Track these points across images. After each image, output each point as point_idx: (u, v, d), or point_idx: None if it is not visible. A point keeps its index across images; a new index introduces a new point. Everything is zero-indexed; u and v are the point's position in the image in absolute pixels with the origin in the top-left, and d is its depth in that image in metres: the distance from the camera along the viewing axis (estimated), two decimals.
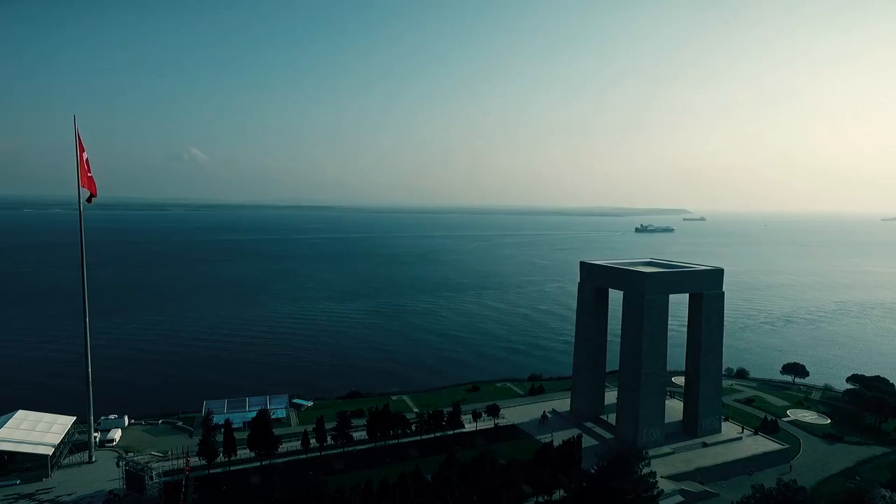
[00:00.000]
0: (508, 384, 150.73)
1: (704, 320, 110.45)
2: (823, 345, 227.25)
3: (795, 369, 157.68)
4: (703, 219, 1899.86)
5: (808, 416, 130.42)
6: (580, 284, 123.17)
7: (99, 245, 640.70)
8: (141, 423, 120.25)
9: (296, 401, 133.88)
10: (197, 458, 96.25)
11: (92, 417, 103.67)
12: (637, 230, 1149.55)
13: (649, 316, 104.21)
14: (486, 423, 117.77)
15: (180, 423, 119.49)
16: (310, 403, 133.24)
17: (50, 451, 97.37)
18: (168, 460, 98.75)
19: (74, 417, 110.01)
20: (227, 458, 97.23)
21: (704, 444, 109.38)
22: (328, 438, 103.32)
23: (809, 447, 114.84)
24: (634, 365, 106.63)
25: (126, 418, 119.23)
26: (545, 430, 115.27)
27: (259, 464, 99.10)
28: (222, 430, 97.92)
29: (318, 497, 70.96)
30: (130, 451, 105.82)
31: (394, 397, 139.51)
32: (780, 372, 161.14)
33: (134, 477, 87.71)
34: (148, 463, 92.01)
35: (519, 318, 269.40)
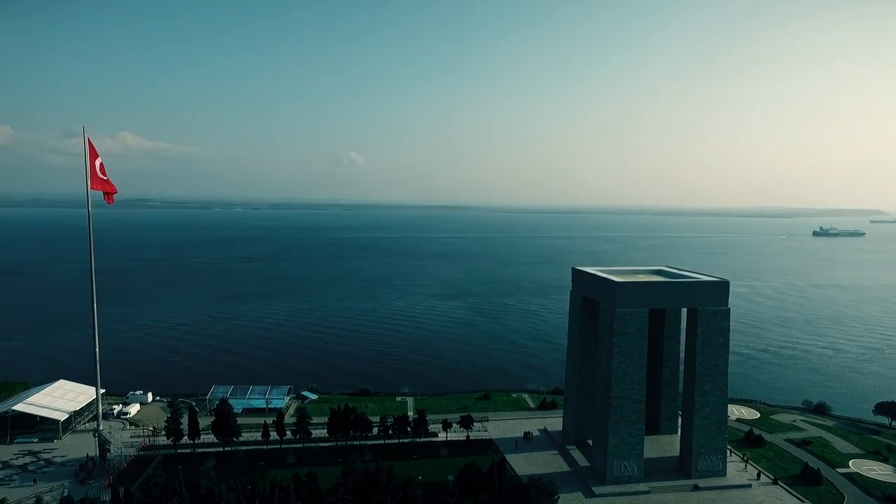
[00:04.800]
0: (524, 395, 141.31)
1: (701, 342, 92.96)
2: None
3: (891, 409, 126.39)
4: None
5: (875, 470, 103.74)
6: (571, 293, 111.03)
7: (264, 241, 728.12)
8: (163, 401, 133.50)
9: (304, 392, 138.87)
10: (165, 438, 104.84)
11: (99, 392, 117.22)
12: (815, 234, 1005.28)
13: (620, 332, 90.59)
14: (460, 434, 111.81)
15: (193, 403, 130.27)
16: (315, 397, 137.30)
17: (63, 416, 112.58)
18: (157, 436, 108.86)
19: (104, 390, 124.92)
20: (192, 441, 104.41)
21: (696, 488, 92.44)
22: (287, 433, 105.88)
23: None
24: (605, 387, 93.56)
25: (150, 395, 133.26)
26: (522, 450, 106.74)
27: (221, 449, 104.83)
28: (187, 413, 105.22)
29: (193, 488, 72.89)
30: (135, 425, 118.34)
31: (398, 398, 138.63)
32: (873, 412, 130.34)
33: (102, 448, 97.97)
34: (113, 436, 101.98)
35: None
